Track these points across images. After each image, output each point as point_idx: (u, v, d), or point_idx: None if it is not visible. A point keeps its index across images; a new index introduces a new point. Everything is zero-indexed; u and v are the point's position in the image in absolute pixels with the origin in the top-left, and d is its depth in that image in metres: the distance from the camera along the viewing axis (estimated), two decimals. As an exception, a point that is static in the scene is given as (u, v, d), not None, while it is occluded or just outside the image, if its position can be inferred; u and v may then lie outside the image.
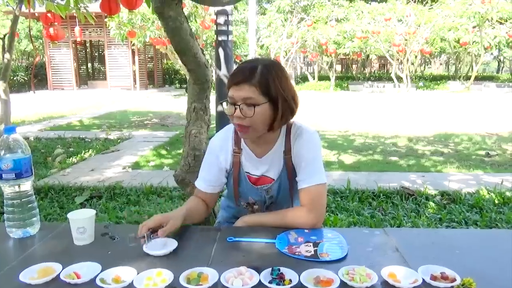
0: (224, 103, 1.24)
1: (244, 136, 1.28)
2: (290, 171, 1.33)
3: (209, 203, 1.43)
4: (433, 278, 0.92)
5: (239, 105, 1.20)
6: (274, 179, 1.34)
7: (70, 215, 1.17)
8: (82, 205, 3.33)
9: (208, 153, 1.41)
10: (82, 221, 1.16)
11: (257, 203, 1.39)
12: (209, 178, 1.39)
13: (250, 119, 1.20)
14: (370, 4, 18.40)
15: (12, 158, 1.17)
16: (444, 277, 0.92)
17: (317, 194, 1.26)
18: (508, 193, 3.33)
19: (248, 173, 1.36)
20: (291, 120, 1.34)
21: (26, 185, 1.22)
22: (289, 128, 1.33)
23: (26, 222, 1.22)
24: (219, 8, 3.98)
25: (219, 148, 1.37)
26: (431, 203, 3.22)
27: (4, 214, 1.22)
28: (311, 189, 1.26)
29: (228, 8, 4.02)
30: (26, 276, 0.94)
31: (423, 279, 0.92)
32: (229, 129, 1.39)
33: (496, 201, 3.20)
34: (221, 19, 4.01)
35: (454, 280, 0.91)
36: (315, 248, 1.11)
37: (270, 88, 1.20)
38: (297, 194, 1.35)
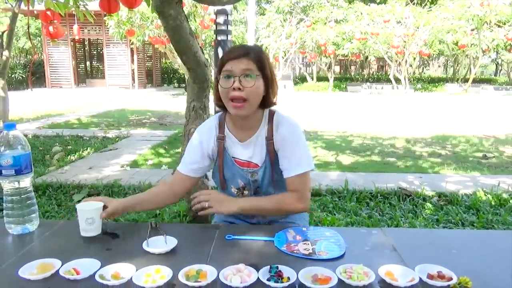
0: (222, 78, 1.28)
1: (239, 111, 1.28)
2: (272, 157, 1.36)
3: (182, 190, 1.42)
4: (430, 277, 0.93)
5: (238, 77, 1.25)
6: (259, 165, 1.37)
7: (78, 206, 1.19)
8: (80, 203, 3.33)
9: (192, 138, 1.44)
10: (91, 212, 1.17)
11: (247, 188, 1.41)
12: (190, 161, 1.40)
13: (249, 90, 1.25)
14: (369, 5, 18.43)
15: (12, 155, 1.17)
16: (441, 276, 0.93)
17: (303, 182, 1.33)
18: (504, 195, 3.35)
19: (234, 157, 1.39)
20: (274, 109, 1.39)
21: (26, 182, 1.22)
22: (272, 116, 1.37)
23: (25, 218, 1.22)
24: (219, 7, 3.98)
25: (203, 134, 1.41)
26: (428, 204, 3.24)
27: (4, 211, 1.22)
28: (295, 178, 1.32)
29: (228, 7, 4.02)
30: (25, 271, 0.95)
31: (420, 278, 0.93)
32: (214, 117, 1.44)
33: (493, 203, 3.22)
34: (221, 19, 4.01)
35: (450, 279, 0.92)
36: (313, 247, 1.11)
37: (264, 65, 1.28)
38: (279, 182, 1.38)
